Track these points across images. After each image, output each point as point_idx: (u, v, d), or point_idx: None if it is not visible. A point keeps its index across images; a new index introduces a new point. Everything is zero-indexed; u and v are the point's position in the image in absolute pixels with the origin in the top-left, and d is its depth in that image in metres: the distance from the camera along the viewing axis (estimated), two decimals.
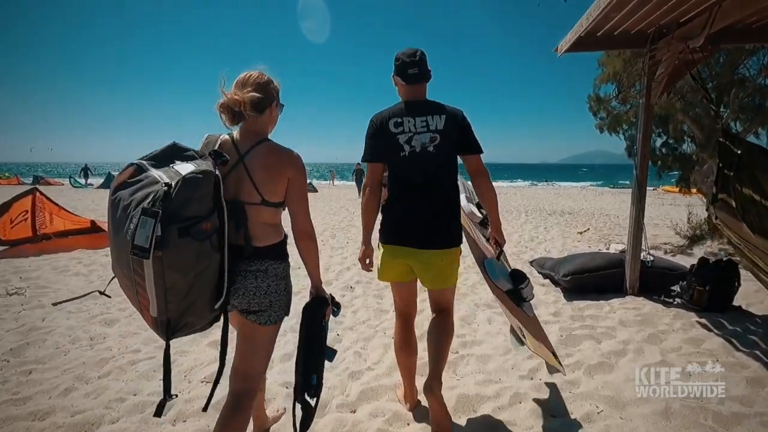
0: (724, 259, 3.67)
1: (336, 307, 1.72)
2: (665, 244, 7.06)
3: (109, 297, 1.54)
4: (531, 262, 5.38)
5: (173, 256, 1.22)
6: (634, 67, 4.30)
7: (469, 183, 2.30)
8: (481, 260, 2.24)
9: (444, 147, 1.88)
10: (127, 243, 1.20)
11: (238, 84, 1.53)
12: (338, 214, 11.74)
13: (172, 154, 1.39)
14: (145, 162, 1.33)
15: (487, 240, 2.25)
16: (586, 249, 6.90)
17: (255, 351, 1.58)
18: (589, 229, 9.11)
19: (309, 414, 1.63)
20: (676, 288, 3.95)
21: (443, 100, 1.98)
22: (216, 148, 1.50)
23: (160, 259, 1.20)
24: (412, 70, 1.90)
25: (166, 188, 1.21)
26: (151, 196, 1.21)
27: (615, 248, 4.31)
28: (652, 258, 4.05)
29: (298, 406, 1.64)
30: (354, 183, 19.48)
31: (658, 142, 7.43)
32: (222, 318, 1.46)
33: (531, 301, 2.25)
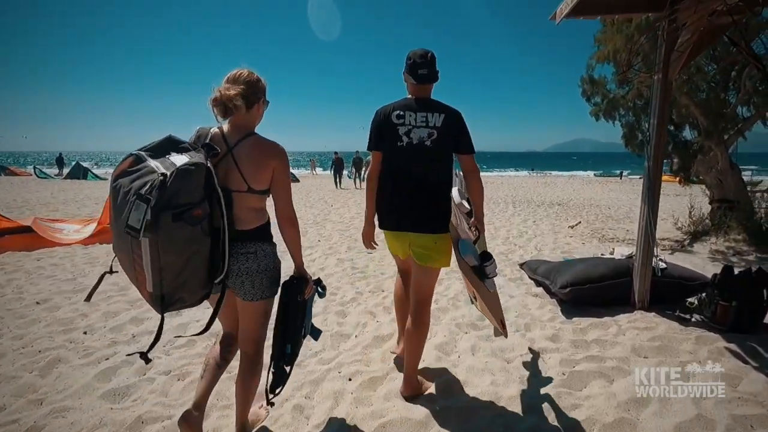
0: (754, 269, 3.06)
1: (322, 288, 1.91)
2: (663, 239, 6.50)
3: (117, 272, 1.61)
4: (521, 265, 4.73)
5: (168, 239, 1.36)
6: (640, 41, 3.61)
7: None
8: (456, 239, 2.35)
9: (439, 143, 2.03)
10: (122, 224, 1.34)
11: (229, 80, 1.63)
12: (315, 206, 10.97)
13: (168, 145, 1.50)
14: (143, 153, 1.45)
15: (470, 228, 2.38)
16: (580, 245, 6.33)
17: (253, 322, 1.75)
18: (580, 222, 8.55)
19: (282, 378, 1.83)
20: (693, 300, 3.35)
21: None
22: (207, 140, 1.61)
23: (156, 241, 1.34)
24: (422, 70, 2.04)
25: (162, 178, 1.34)
26: (148, 185, 1.33)
27: (620, 253, 3.69)
28: (664, 265, 3.44)
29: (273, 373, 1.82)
30: (331, 174, 18.33)
31: None
32: (220, 295, 1.60)
33: (495, 280, 2.55)
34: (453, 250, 2.25)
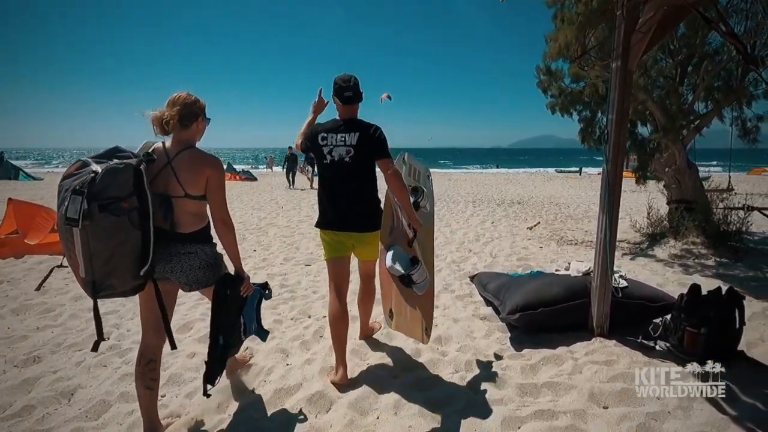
0: (725, 288, 2.65)
1: (268, 291, 2.25)
2: (621, 241, 6.21)
3: (67, 266, 1.95)
4: (472, 278, 4.23)
5: (95, 227, 1.56)
6: (594, 29, 3.15)
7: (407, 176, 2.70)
8: (387, 247, 2.55)
9: (356, 157, 2.36)
10: (62, 217, 1.55)
11: (169, 103, 1.87)
12: (264, 209, 10.15)
13: (113, 154, 1.74)
14: (89, 159, 1.69)
15: (408, 226, 2.48)
16: (537, 250, 5.94)
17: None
18: (539, 222, 8.23)
19: (216, 369, 1.99)
20: (658, 321, 2.93)
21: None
22: (150, 151, 1.86)
23: (86, 230, 1.54)
24: (348, 93, 2.38)
25: (92, 175, 1.58)
26: (80, 182, 1.56)
27: (576, 269, 3.22)
28: (625, 283, 3.00)
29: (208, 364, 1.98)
30: (284, 171, 16.38)
31: None
32: (154, 287, 1.83)
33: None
34: (380, 257, 2.62)
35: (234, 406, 2.23)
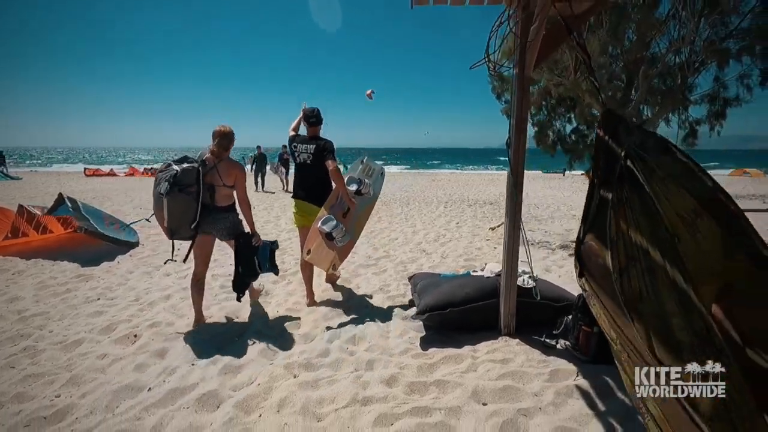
0: None
1: (275, 243, 3.52)
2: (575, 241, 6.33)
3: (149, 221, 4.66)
4: (410, 278, 4.29)
5: (176, 200, 2.90)
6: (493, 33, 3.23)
7: (354, 174, 4.02)
8: (325, 215, 3.62)
9: (313, 161, 3.64)
10: (157, 192, 2.91)
11: (214, 135, 3.13)
12: None
13: (184, 159, 3.05)
14: (171, 162, 3.01)
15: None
16: (490, 251, 6.03)
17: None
18: (503, 223, 8.31)
19: (240, 286, 3.37)
20: (564, 320, 3.02)
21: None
22: (203, 158, 3.09)
23: (169, 201, 2.88)
24: (312, 119, 3.70)
25: (175, 172, 2.90)
26: (170, 175, 2.89)
27: (491, 270, 3.30)
28: (534, 284, 3.08)
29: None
30: (252, 171, 15.35)
31: (568, 128, 6.64)
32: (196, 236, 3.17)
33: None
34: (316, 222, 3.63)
35: (124, 405, 2.27)
